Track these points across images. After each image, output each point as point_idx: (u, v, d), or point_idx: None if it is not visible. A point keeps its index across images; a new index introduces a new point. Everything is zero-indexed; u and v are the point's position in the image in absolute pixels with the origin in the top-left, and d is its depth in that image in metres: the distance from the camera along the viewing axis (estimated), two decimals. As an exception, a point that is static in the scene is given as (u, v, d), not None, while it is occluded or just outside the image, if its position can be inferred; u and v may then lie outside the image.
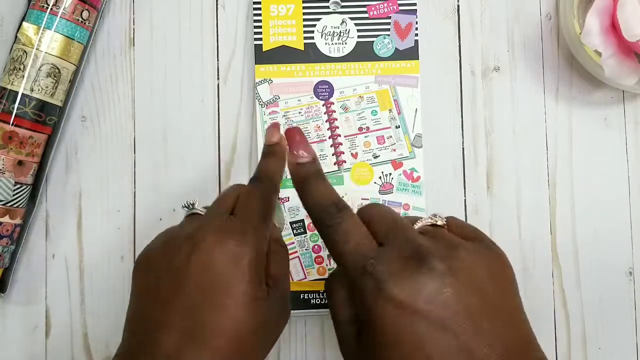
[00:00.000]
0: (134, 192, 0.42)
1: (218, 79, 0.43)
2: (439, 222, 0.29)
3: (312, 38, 0.42)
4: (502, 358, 0.25)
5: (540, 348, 0.27)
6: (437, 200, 0.42)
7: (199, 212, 0.32)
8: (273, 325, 0.31)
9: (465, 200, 0.43)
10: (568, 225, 0.43)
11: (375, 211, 0.29)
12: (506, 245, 0.42)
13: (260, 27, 0.42)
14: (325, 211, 0.29)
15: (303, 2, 0.42)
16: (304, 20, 0.42)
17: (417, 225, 0.29)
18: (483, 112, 0.43)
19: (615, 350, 0.42)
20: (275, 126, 0.35)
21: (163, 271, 0.29)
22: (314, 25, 0.42)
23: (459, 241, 0.28)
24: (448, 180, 0.43)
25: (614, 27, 0.39)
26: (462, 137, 0.43)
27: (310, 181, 0.31)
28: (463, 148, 0.43)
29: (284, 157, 0.34)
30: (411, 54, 0.42)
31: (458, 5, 0.44)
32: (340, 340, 0.29)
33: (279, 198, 0.41)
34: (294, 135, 0.32)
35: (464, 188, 0.43)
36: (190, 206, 0.33)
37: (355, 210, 0.30)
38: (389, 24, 0.42)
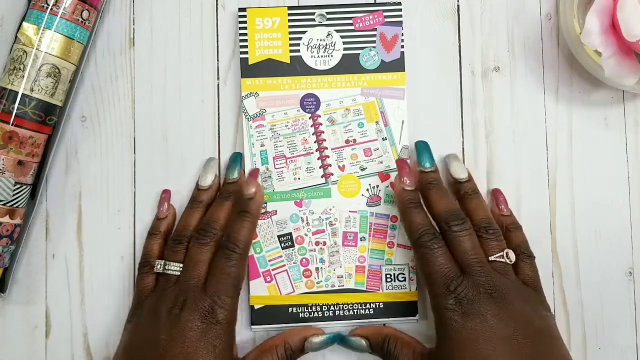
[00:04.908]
0: (134, 192, 0.42)
1: (218, 79, 0.43)
2: (509, 261, 0.37)
3: (298, 51, 0.42)
4: None
5: None
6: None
7: (171, 273, 0.38)
8: None
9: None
10: (568, 225, 0.43)
11: (459, 244, 0.37)
12: (506, 245, 0.42)
13: (245, 40, 0.42)
14: (425, 234, 0.37)
15: (289, 15, 0.42)
16: (290, 33, 0.42)
17: (491, 258, 0.37)
18: (483, 112, 0.43)
19: (615, 350, 0.42)
20: (253, 175, 0.40)
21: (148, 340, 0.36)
22: (300, 38, 0.42)
23: (518, 285, 0.37)
24: (448, 180, 0.42)
25: (614, 27, 0.39)
26: (462, 137, 0.43)
27: (411, 206, 0.38)
28: (463, 148, 0.43)
29: (259, 214, 0.40)
30: (397, 65, 0.42)
31: (458, 5, 0.44)
32: None
33: (266, 212, 0.41)
34: (404, 165, 0.40)
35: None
36: (161, 267, 0.38)
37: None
38: (374, 36, 0.42)
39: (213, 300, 0.36)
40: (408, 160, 0.41)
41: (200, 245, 0.38)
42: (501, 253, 0.37)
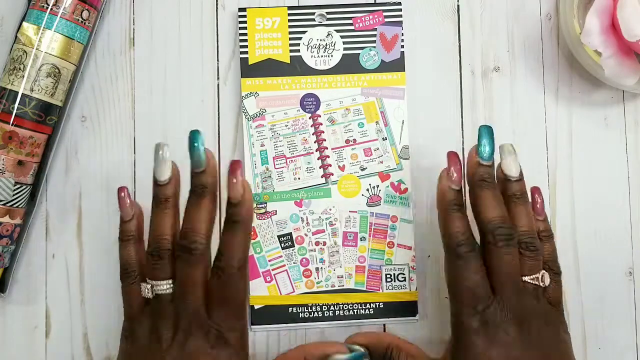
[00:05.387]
0: (134, 192, 0.42)
1: (218, 79, 0.43)
2: (542, 285, 0.34)
3: (298, 51, 0.42)
4: None
5: None
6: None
7: (163, 293, 0.33)
8: None
9: (465, 200, 0.43)
10: (568, 225, 0.43)
11: (500, 262, 0.33)
12: (506, 245, 0.42)
13: (245, 40, 0.42)
14: (464, 244, 0.33)
15: (289, 15, 0.42)
16: (290, 33, 0.42)
17: (525, 279, 0.34)
18: (483, 112, 0.43)
19: (615, 350, 0.42)
20: (235, 171, 0.34)
21: None
22: (300, 38, 0.42)
23: (546, 309, 0.34)
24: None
25: (614, 27, 0.39)
26: (462, 137, 0.43)
27: (454, 209, 0.34)
28: (463, 148, 0.43)
29: (251, 217, 0.35)
30: (397, 65, 0.42)
31: (458, 5, 0.44)
32: None
33: (266, 212, 0.41)
34: (456, 160, 0.35)
35: (464, 189, 0.43)
36: (150, 292, 0.34)
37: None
38: (374, 35, 0.42)
39: (220, 326, 0.33)
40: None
41: (189, 266, 0.33)
42: (537, 275, 0.34)
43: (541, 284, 0.34)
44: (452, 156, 0.35)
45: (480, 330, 0.32)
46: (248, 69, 0.42)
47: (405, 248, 0.41)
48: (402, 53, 0.42)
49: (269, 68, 0.42)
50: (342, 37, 0.42)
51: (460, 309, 0.33)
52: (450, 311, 0.34)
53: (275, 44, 0.42)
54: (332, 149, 0.42)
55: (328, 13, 0.42)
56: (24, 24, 0.38)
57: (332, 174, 0.41)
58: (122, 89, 0.43)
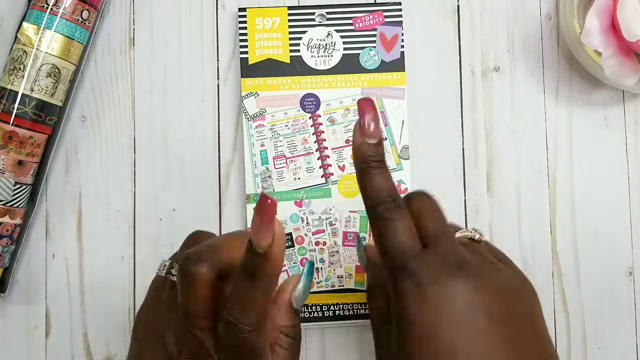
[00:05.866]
0: (134, 192, 0.42)
1: (218, 79, 0.43)
2: (477, 237, 0.30)
3: (298, 51, 0.42)
4: None
5: None
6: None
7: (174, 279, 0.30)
8: None
9: (465, 200, 0.43)
10: (568, 225, 0.43)
11: (428, 208, 0.29)
12: (506, 245, 0.42)
13: (245, 40, 0.42)
14: (382, 203, 0.28)
15: (289, 15, 0.42)
16: (290, 33, 0.42)
17: (457, 235, 0.30)
18: (483, 112, 0.43)
19: (615, 350, 0.42)
20: (269, 212, 0.25)
21: None
22: (300, 38, 0.42)
23: (494, 260, 0.29)
24: (448, 180, 0.43)
25: (614, 27, 0.39)
26: (462, 137, 0.43)
27: (372, 166, 0.29)
28: (463, 148, 0.43)
29: (276, 277, 0.26)
30: (397, 65, 0.42)
31: (458, 5, 0.44)
32: (377, 344, 0.32)
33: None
34: (369, 106, 0.29)
35: (464, 188, 0.43)
36: (166, 271, 0.31)
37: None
38: (374, 35, 0.42)
39: None
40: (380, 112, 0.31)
41: (190, 265, 0.27)
42: (469, 230, 0.31)
43: (476, 236, 0.30)
44: (362, 104, 0.29)
45: (415, 289, 0.27)
46: (248, 69, 0.42)
47: (405, 248, 0.41)
48: (402, 53, 0.42)
49: (269, 68, 0.42)
50: (342, 37, 0.42)
51: (391, 270, 0.28)
52: (385, 272, 0.29)
53: (275, 44, 0.42)
54: (332, 149, 0.42)
55: (328, 13, 0.42)
56: (24, 24, 0.38)
57: (332, 174, 0.41)
58: (122, 89, 0.43)
